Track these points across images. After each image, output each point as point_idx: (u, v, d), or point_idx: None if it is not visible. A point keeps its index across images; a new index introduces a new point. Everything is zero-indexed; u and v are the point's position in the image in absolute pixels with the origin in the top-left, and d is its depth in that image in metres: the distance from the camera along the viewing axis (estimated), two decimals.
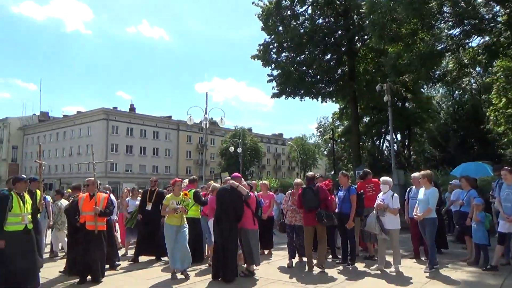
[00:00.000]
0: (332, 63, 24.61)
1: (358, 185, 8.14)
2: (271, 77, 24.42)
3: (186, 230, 6.82)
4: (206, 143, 28.11)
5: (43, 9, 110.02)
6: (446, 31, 17.44)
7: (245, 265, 6.79)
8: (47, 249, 9.33)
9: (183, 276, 6.57)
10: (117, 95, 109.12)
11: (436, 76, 20.76)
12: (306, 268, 7.00)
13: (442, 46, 17.06)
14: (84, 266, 6.45)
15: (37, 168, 7.23)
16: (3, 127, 66.36)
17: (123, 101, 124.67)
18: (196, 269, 7.27)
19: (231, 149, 46.64)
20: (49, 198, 9.38)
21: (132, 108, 59.72)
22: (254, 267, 6.76)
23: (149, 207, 8.45)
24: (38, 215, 7.18)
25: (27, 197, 6.06)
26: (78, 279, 6.44)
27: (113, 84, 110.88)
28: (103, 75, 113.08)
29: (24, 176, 6.42)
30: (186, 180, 9.76)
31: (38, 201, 6.82)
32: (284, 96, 24.53)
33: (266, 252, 8.57)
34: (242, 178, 7.17)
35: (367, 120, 34.87)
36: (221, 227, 6.44)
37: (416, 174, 7.78)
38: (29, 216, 5.94)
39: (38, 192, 7.04)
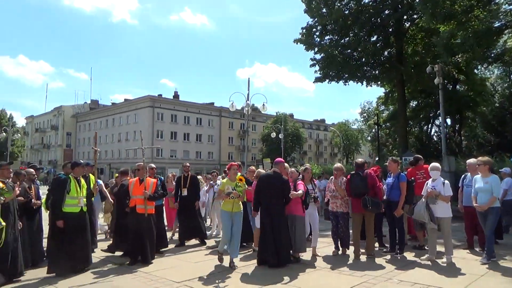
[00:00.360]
0: (378, 45, 23.62)
1: (408, 171, 7.81)
2: (314, 61, 23.88)
3: (240, 218, 6.58)
4: (248, 129, 28.15)
5: (91, 0, 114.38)
6: (504, 6, 16.14)
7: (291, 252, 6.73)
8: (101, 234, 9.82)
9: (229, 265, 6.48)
10: (161, 82, 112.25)
11: (492, 55, 19.37)
12: (353, 256, 6.85)
13: (500, 23, 15.83)
14: (135, 248, 6.72)
15: (89, 153, 7.63)
16: (58, 115, 70.39)
17: (167, 88, 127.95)
18: (241, 252, 7.35)
19: (273, 135, 46.61)
20: (101, 181, 9.83)
21: (176, 95, 61.10)
22: (300, 254, 6.73)
23: (184, 192, 8.62)
24: (93, 198, 7.53)
25: (82, 181, 6.40)
26: (128, 261, 6.73)
27: (158, 72, 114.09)
28: (148, 64, 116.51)
29: (82, 161, 6.75)
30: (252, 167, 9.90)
31: (92, 185, 7.16)
32: (327, 81, 23.96)
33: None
34: (285, 163, 7.10)
35: (414, 105, 33.40)
36: (271, 212, 6.42)
37: (472, 160, 7.32)
38: (85, 199, 6.28)
39: (92, 176, 7.38)
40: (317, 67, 23.90)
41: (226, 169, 8.13)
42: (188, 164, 9.36)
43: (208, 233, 10.23)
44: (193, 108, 60.02)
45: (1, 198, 5.08)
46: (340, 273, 5.93)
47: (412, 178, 7.36)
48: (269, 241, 6.32)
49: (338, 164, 7.64)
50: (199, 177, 11.96)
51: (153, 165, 8.28)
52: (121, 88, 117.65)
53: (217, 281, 5.55)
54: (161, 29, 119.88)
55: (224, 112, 62.10)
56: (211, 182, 10.70)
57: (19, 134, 60.19)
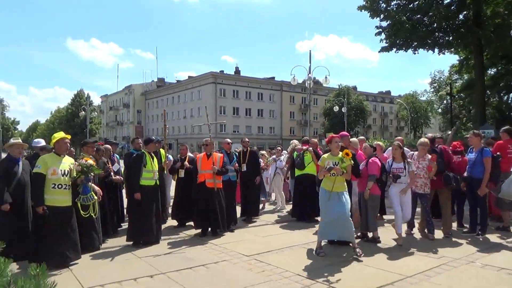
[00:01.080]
0: (452, 7, 21.49)
1: (496, 145, 7.08)
2: (380, 29, 22.42)
3: (343, 198, 5.65)
4: (310, 103, 27.63)
5: None
6: None
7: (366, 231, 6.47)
8: None
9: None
10: (222, 59, 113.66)
11: None
12: (420, 237, 6.47)
13: None
14: (205, 221, 6.94)
15: (158, 129, 7.93)
16: (129, 93, 74.61)
17: (228, 64, 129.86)
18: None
19: (335, 108, 45.43)
20: (171, 157, 10.23)
21: (237, 71, 61.59)
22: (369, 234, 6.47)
23: (244, 168, 8.57)
24: (164, 172, 7.85)
25: (154, 157, 6.68)
26: (200, 232, 6.98)
27: (219, 49, 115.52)
28: (210, 40, 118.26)
29: (153, 137, 7.04)
30: (294, 141, 9.77)
31: (163, 160, 7.45)
32: (394, 50, 22.42)
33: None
34: (362, 137, 6.79)
35: (493, 72, 30.29)
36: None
37: None
38: (157, 174, 6.56)
39: (162, 151, 7.68)
40: (383, 36, 22.43)
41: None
42: (247, 139, 9.19)
43: (273, 207, 10.35)
44: (254, 83, 60.19)
45: (91, 174, 5.48)
46: (415, 253, 5.63)
47: (498, 153, 6.69)
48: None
49: (423, 139, 6.74)
50: (263, 152, 12.01)
51: (229, 140, 8.28)
52: (185, 66, 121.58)
53: (276, 254, 5.56)
54: (220, 6, 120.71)
55: (285, 86, 61.57)
56: (274, 156, 10.66)
57: (95, 113, 65.14)
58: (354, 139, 7.53)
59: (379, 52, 23.29)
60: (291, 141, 9.71)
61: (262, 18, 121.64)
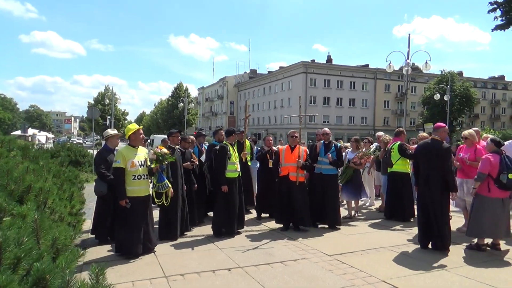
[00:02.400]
0: None
1: None
2: (495, 5, 19.71)
3: None
4: (407, 90, 25.63)
5: None
6: None
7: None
8: None
9: None
10: (314, 48, 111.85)
11: None
12: None
13: None
14: (286, 215, 6.78)
15: (249, 120, 7.88)
16: (223, 85, 77.85)
17: (319, 53, 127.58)
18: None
19: (436, 96, 41.47)
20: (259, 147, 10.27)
21: (329, 60, 60.00)
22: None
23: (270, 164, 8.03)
24: (249, 163, 7.84)
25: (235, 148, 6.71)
26: (281, 226, 6.86)
27: (310, 38, 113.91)
28: (301, 30, 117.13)
29: (234, 128, 7.07)
30: (379, 133, 9.05)
31: (246, 150, 7.48)
32: None
33: None
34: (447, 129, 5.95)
35: None
36: (430, 187, 5.58)
37: None
38: (239, 165, 6.58)
39: (247, 142, 7.73)
40: (498, 12, 19.71)
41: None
42: (271, 138, 8.28)
43: (361, 203, 9.79)
44: (346, 71, 58.06)
45: (165, 162, 5.64)
46: None
47: None
48: (424, 220, 5.57)
49: None
50: (346, 144, 11.36)
51: (327, 129, 7.54)
52: (277, 56, 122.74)
53: (361, 255, 5.15)
54: None
55: (380, 74, 58.30)
56: (364, 149, 10.02)
57: (193, 104, 69.26)
58: (470, 131, 6.62)
59: (492, 30, 20.50)
60: (377, 133, 9.01)
61: (356, 2, 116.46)
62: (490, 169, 5.42)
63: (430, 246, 5.56)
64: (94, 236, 5.92)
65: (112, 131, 6.22)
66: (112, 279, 4.33)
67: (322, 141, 7.28)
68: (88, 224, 6.67)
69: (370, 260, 5.08)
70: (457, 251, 5.46)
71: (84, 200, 6.40)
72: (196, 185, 6.87)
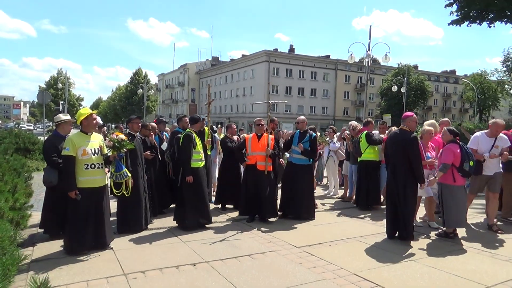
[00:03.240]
0: None
1: None
2: (451, 0, 20.36)
3: None
4: (367, 81, 26.11)
5: None
6: None
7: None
8: None
9: None
10: (276, 37, 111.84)
11: None
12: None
13: None
14: (253, 206, 6.55)
15: (212, 108, 7.48)
16: (184, 72, 76.11)
17: (281, 43, 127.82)
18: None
19: (394, 88, 42.85)
20: (218, 136, 9.89)
21: (292, 49, 60.14)
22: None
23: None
24: (208, 151, 7.48)
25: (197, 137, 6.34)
26: (247, 217, 6.63)
27: (272, 27, 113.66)
28: (263, 19, 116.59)
29: (199, 115, 6.69)
30: (353, 122, 9.01)
31: (206, 138, 7.13)
32: (466, 23, 20.30)
33: None
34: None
35: None
36: (395, 177, 5.54)
37: None
38: (202, 154, 6.24)
39: (207, 129, 7.36)
40: (454, 7, 20.35)
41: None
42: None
43: (325, 192, 9.78)
44: (308, 61, 58.51)
45: (123, 150, 5.19)
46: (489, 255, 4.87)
47: None
48: (392, 211, 5.56)
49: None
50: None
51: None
52: (239, 44, 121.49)
53: (329, 246, 5.05)
54: None
55: (340, 65, 59.35)
56: (327, 139, 10.00)
57: (152, 91, 67.18)
58: (432, 121, 6.72)
59: (448, 25, 21.21)
60: (350, 122, 8.96)
61: None
62: (453, 159, 5.49)
63: (397, 236, 5.56)
64: (43, 230, 5.39)
65: (64, 116, 5.62)
66: (65, 278, 3.93)
67: (297, 130, 7.08)
68: (37, 218, 6.10)
69: (339, 252, 4.97)
70: (422, 242, 5.48)
71: (31, 192, 5.80)
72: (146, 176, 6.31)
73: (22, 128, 30.68)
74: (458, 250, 5.11)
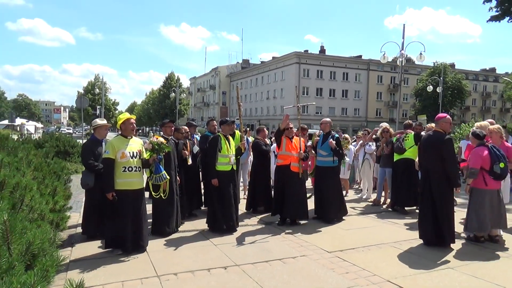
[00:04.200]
0: None
1: None
2: None
3: None
4: (400, 82, 25.41)
5: None
6: None
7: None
8: None
9: None
10: (306, 39, 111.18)
11: None
12: None
13: None
14: (285, 208, 6.50)
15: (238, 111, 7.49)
16: (215, 75, 77.00)
17: (311, 44, 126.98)
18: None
19: (429, 88, 41.55)
20: (250, 139, 9.91)
21: (322, 50, 59.55)
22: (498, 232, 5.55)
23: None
24: (238, 156, 7.45)
25: (231, 139, 6.34)
26: (278, 220, 6.60)
27: (302, 29, 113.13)
28: (292, 21, 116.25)
29: (228, 119, 6.69)
30: (384, 124, 8.82)
31: (236, 141, 7.15)
32: (507, 18, 19.40)
33: None
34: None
35: None
36: (430, 181, 5.34)
37: None
38: (234, 158, 6.23)
39: (237, 132, 7.35)
40: (493, 3, 19.51)
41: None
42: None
43: (358, 196, 9.60)
44: (340, 62, 57.68)
45: (162, 152, 5.32)
46: None
47: None
48: (427, 215, 5.34)
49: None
50: (345, 135, 11.16)
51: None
52: (269, 47, 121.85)
53: (362, 252, 4.93)
54: None
55: (373, 65, 58.13)
56: (361, 142, 9.84)
57: (184, 94, 68.50)
58: (484, 123, 6.38)
59: (487, 21, 20.36)
60: (381, 124, 8.78)
61: None
62: (481, 162, 5.28)
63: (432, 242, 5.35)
64: (81, 231, 5.60)
65: (100, 121, 5.84)
66: (101, 279, 4.06)
67: (321, 132, 7.04)
68: (76, 219, 6.35)
69: (372, 258, 4.85)
70: (459, 248, 5.25)
71: (70, 194, 6.04)
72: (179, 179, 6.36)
73: (62, 132, 32.09)
74: (498, 258, 4.86)
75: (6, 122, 35.58)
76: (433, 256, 4.90)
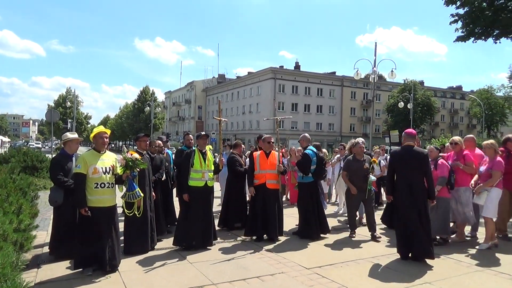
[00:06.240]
0: None
1: None
2: (456, 17, 20.41)
3: None
4: (373, 98, 26.03)
5: None
6: None
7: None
8: None
9: None
10: (280, 55, 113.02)
11: None
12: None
13: None
14: (261, 226, 6.40)
15: (217, 125, 7.35)
16: (190, 89, 76.75)
17: (286, 60, 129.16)
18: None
19: (401, 104, 42.64)
20: (225, 153, 9.77)
21: (297, 66, 60.54)
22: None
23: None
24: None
25: (209, 154, 6.18)
26: (255, 237, 6.48)
27: (277, 45, 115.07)
28: (267, 37, 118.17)
29: (203, 132, 6.52)
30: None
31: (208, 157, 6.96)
32: (472, 39, 20.31)
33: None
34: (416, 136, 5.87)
35: None
36: (413, 196, 5.36)
37: None
38: (210, 174, 6.03)
39: (207, 147, 7.13)
40: (459, 24, 20.41)
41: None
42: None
43: (334, 210, 9.61)
44: (314, 78, 58.77)
45: (136, 169, 5.11)
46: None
47: None
48: (406, 230, 5.39)
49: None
50: (324, 150, 11.26)
51: (307, 135, 7.36)
52: (245, 62, 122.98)
53: (341, 267, 4.89)
54: (279, 1, 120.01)
55: (346, 82, 59.53)
56: (337, 156, 9.93)
57: (159, 108, 67.68)
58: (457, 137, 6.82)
59: (454, 41, 21.25)
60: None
61: (321, 11, 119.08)
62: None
63: (410, 256, 5.38)
64: (48, 251, 5.29)
65: (71, 135, 5.58)
66: None
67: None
68: (43, 237, 6.03)
69: (350, 273, 4.81)
70: (436, 263, 5.26)
71: (36, 212, 5.71)
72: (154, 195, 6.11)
73: (31, 146, 30.94)
74: (474, 272, 4.92)
75: None
76: (412, 271, 4.90)
